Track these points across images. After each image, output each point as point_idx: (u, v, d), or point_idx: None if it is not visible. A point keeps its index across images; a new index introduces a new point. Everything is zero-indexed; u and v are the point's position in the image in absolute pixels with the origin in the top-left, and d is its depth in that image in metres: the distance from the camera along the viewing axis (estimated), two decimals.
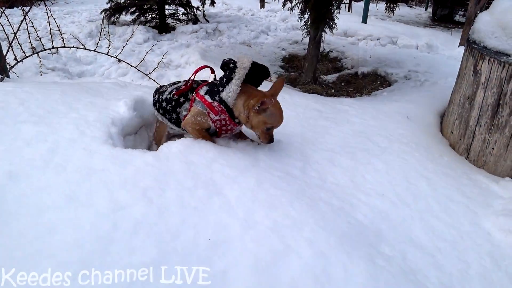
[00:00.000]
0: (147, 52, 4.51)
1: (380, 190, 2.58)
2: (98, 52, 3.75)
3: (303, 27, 5.62)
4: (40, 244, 1.69)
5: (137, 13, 8.01)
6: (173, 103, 2.70)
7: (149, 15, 8.08)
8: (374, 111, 3.86)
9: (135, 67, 3.89)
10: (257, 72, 2.57)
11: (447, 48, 6.95)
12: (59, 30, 4.01)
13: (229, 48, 6.60)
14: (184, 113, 2.67)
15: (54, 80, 4.51)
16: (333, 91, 5.61)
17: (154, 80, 4.01)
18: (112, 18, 7.90)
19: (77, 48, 3.74)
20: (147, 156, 2.32)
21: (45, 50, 3.76)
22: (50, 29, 3.75)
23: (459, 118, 3.52)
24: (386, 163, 2.92)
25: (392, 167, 2.89)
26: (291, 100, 3.87)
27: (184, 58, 5.87)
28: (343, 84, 5.90)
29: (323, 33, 5.53)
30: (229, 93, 2.44)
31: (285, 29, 8.18)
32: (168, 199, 1.98)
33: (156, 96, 2.87)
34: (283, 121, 2.61)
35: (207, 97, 2.51)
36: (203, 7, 8.26)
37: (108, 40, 4.04)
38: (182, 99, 2.67)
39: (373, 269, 1.79)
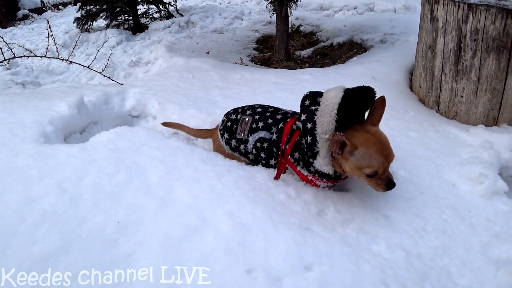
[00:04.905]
0: (98, 51, 4.38)
1: None
2: (49, 58, 3.65)
3: (268, 5, 5.42)
4: None
5: (109, 18, 7.90)
6: (263, 162, 2.16)
7: (122, 18, 7.97)
8: (337, 76, 3.68)
9: (88, 67, 3.80)
10: (356, 103, 1.87)
11: None
12: (8, 46, 3.92)
13: (200, 38, 6.44)
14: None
15: (14, 92, 4.44)
16: (307, 65, 5.41)
17: (109, 77, 3.94)
18: (85, 26, 7.81)
19: (28, 56, 3.63)
20: (73, 149, 2.22)
21: None
22: None
23: (424, 70, 3.32)
24: None
25: None
26: (250, 77, 3.72)
27: (152, 54, 5.75)
28: (318, 57, 5.69)
29: (294, 9, 5.33)
30: (321, 166, 1.86)
31: (260, 11, 7.98)
32: (84, 187, 1.87)
33: (226, 135, 2.24)
34: (392, 153, 1.89)
35: (303, 171, 1.99)
36: (175, 1, 8.12)
37: (55, 43, 3.93)
38: (273, 162, 2.11)
39: (300, 236, 1.63)
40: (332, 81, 3.57)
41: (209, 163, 2.08)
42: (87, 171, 1.98)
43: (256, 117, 2.16)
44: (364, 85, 1.90)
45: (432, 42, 3.15)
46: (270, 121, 2.10)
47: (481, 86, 2.91)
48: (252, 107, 2.26)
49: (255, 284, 1.41)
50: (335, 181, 2.04)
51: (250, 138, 2.12)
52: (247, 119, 2.17)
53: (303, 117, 1.87)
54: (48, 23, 3.69)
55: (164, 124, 2.72)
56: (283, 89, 3.35)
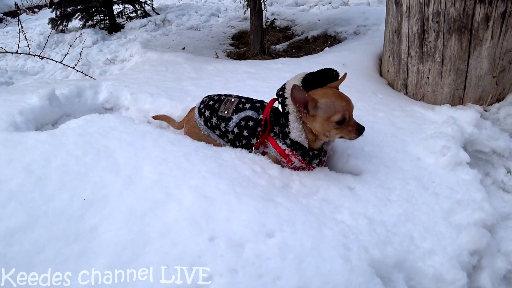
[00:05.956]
0: (70, 46, 4.36)
1: None
2: (20, 53, 3.62)
3: (243, 0, 5.47)
4: None
5: (85, 18, 7.85)
6: (244, 141, 2.19)
7: (98, 18, 7.92)
8: (308, 65, 3.75)
9: (61, 62, 3.77)
10: (319, 80, 2.09)
11: None
12: None
13: (176, 35, 6.46)
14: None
15: None
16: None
17: (82, 72, 3.91)
18: (60, 27, 7.75)
19: None
20: (42, 135, 2.24)
21: None
22: None
23: (391, 54, 3.40)
24: None
25: None
26: (222, 68, 3.76)
27: (128, 51, 5.74)
28: (293, 50, 5.76)
29: (269, 5, 5.39)
30: (297, 132, 2.00)
31: (236, 8, 8.04)
32: (51, 168, 1.90)
33: (207, 113, 2.29)
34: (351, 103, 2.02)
35: (280, 143, 2.08)
36: (152, 0, 8.12)
37: (26, 38, 3.91)
38: (254, 141, 2.16)
39: (263, 206, 1.68)
40: (303, 69, 3.61)
41: (177, 144, 2.11)
42: (55, 154, 2.00)
43: (243, 99, 2.28)
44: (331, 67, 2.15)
45: (398, 26, 3.24)
46: (257, 104, 2.24)
47: (445, 66, 3.00)
48: (237, 95, 2.37)
49: (217, 250, 1.45)
50: (308, 165, 2.14)
51: (235, 116, 2.19)
52: (232, 100, 2.28)
53: (278, 90, 2.09)
54: (19, 20, 3.66)
55: (153, 117, 2.75)
56: (254, 78, 3.40)
